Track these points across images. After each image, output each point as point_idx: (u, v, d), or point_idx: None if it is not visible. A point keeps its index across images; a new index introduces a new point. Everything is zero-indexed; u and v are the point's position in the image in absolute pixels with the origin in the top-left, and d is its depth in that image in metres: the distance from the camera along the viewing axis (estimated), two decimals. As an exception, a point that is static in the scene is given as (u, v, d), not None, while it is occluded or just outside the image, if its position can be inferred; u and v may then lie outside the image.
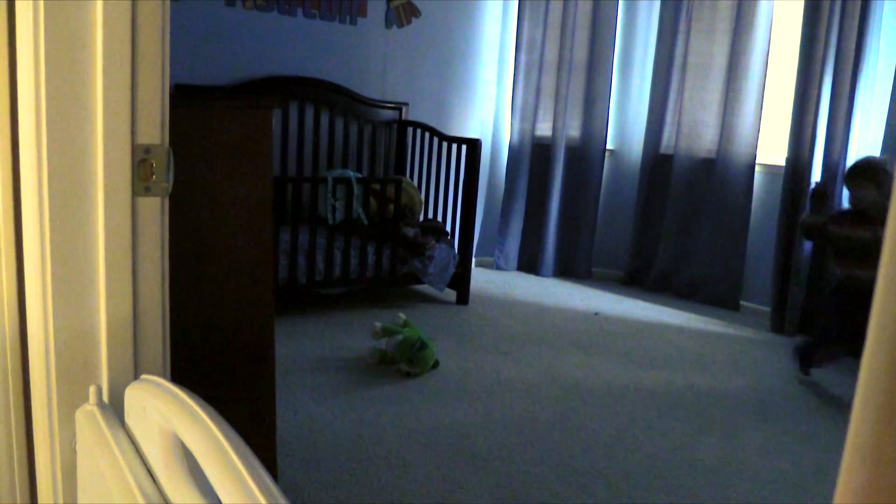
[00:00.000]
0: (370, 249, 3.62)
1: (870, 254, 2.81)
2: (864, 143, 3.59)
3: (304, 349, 3.01)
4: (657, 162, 4.44)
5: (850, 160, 3.59)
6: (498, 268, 4.77)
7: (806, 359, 3.09)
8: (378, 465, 2.09)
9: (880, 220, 2.74)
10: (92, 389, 0.92)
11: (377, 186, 3.68)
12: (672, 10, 4.29)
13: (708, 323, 3.87)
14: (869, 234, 2.81)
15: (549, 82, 4.63)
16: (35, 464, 1.03)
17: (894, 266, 0.26)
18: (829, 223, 2.98)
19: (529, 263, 4.76)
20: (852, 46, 3.53)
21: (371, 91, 4.27)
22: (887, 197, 2.74)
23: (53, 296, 0.92)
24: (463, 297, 3.88)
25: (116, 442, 0.84)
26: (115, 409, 0.93)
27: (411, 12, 4.35)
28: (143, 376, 0.90)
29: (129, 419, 0.88)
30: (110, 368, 0.96)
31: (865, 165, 2.93)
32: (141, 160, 0.94)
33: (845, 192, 3.07)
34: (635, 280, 4.57)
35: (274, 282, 2.05)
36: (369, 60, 4.26)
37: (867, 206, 2.86)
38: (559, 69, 4.59)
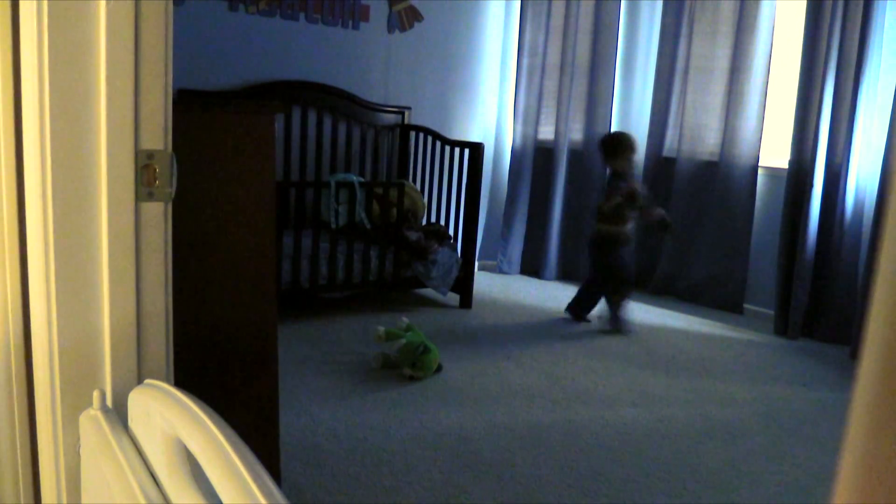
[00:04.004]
0: (373, 253, 3.63)
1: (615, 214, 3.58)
2: (867, 144, 3.59)
3: (308, 353, 3.02)
4: (660, 165, 4.44)
5: (854, 162, 3.59)
6: (501, 271, 4.76)
7: (577, 310, 3.76)
8: (381, 468, 2.09)
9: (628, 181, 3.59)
10: (95, 394, 0.93)
11: (380, 190, 3.68)
12: (674, 13, 4.29)
13: (711, 326, 3.86)
14: (619, 198, 3.54)
15: (551, 85, 4.64)
16: (39, 468, 1.03)
17: (888, 274, 0.26)
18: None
19: (532, 267, 4.76)
20: (855, 48, 3.53)
21: (373, 95, 4.28)
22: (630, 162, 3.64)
23: (57, 300, 0.92)
24: (466, 300, 3.88)
25: (120, 446, 0.85)
26: (118, 414, 0.93)
27: (413, 16, 4.36)
28: (147, 381, 0.91)
29: (133, 423, 0.89)
30: (114, 373, 0.96)
31: (615, 138, 3.67)
32: (144, 165, 0.94)
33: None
34: (638, 283, 4.56)
35: (277, 286, 2.05)
36: (372, 65, 4.27)
37: (623, 169, 3.58)
38: (561, 72, 4.59)
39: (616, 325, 3.62)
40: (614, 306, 3.64)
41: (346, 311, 3.67)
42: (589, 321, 3.75)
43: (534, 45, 4.63)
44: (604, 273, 3.65)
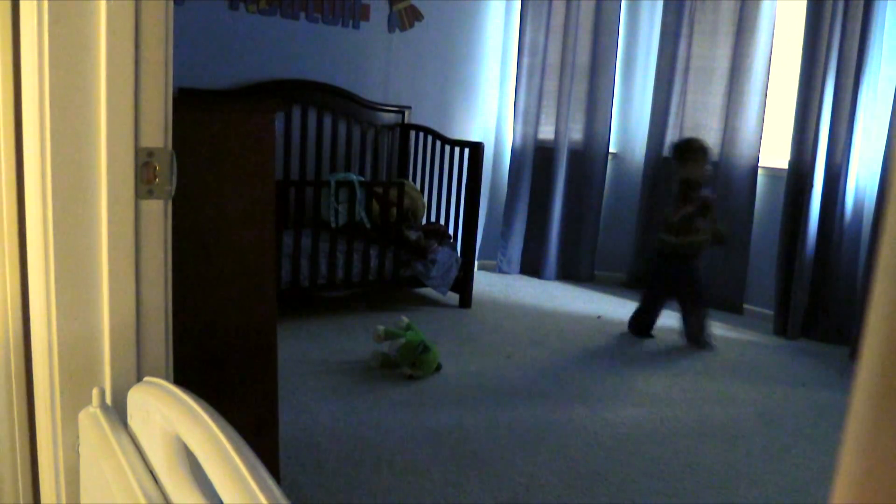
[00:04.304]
0: (373, 253, 3.63)
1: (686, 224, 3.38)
2: (867, 144, 3.59)
3: (307, 352, 3.02)
4: (660, 165, 4.44)
5: (854, 162, 3.59)
6: (500, 271, 4.76)
7: (640, 326, 3.54)
8: (380, 467, 2.09)
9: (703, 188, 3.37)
10: (95, 392, 0.93)
11: (380, 190, 3.68)
12: (674, 13, 4.29)
13: (711, 326, 3.86)
14: (691, 208, 3.35)
15: (551, 85, 4.64)
16: (38, 466, 1.03)
17: (889, 264, 0.26)
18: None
19: (532, 266, 4.76)
20: (855, 48, 3.53)
21: (374, 94, 4.28)
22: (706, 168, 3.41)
23: (57, 298, 0.92)
24: (465, 300, 3.88)
25: (119, 444, 0.85)
26: (117, 412, 0.93)
27: (414, 16, 4.36)
28: (146, 378, 0.91)
29: (132, 421, 0.89)
30: (113, 371, 0.96)
31: (691, 144, 3.43)
32: (144, 163, 0.94)
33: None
34: (638, 283, 4.56)
35: (277, 285, 2.05)
36: (372, 64, 4.27)
37: (697, 177, 3.35)
38: (562, 72, 4.59)
39: (698, 342, 3.41)
40: (696, 322, 3.41)
41: (346, 311, 3.67)
42: (653, 336, 3.53)
43: (534, 45, 4.63)
44: (675, 288, 3.44)
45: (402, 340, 2.83)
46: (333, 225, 3.56)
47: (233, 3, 3.77)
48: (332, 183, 3.55)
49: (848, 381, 3.12)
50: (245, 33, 3.84)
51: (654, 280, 3.56)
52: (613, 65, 4.52)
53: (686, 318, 3.44)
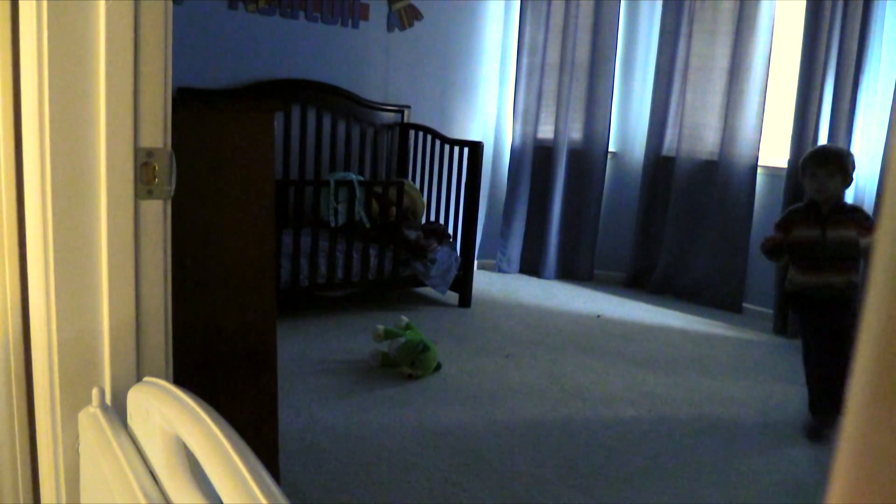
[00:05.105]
0: (372, 252, 3.63)
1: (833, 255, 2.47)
2: (866, 144, 3.59)
3: (307, 351, 3.02)
4: (659, 164, 4.44)
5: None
6: (500, 270, 4.77)
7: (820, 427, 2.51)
8: (380, 467, 2.09)
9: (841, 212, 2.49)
10: (95, 392, 0.93)
11: (379, 189, 3.68)
12: (674, 12, 4.29)
13: (710, 325, 3.87)
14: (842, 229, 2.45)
15: (550, 84, 4.64)
16: (38, 465, 1.03)
17: (885, 264, 0.26)
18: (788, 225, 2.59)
19: (531, 266, 4.76)
20: (854, 47, 3.53)
21: (373, 94, 4.28)
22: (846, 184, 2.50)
23: (57, 298, 0.92)
24: (465, 299, 3.88)
25: (119, 444, 0.85)
26: (117, 412, 0.93)
27: (413, 15, 4.36)
28: (146, 378, 0.91)
29: (132, 421, 0.89)
30: (113, 371, 0.97)
31: (831, 152, 2.57)
32: (143, 163, 0.94)
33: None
34: (637, 282, 4.57)
35: (276, 284, 2.05)
36: (371, 63, 4.27)
37: (832, 193, 2.46)
38: (561, 71, 4.59)
39: (811, 431, 2.50)
40: (816, 405, 2.52)
41: (345, 310, 3.67)
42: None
43: (533, 44, 4.63)
44: (806, 349, 2.57)
45: (402, 340, 2.83)
46: (333, 224, 3.56)
47: (232, 2, 3.77)
48: (332, 182, 3.55)
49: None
50: (244, 33, 3.84)
51: (808, 337, 2.59)
52: (613, 64, 4.52)
53: (812, 384, 2.54)
